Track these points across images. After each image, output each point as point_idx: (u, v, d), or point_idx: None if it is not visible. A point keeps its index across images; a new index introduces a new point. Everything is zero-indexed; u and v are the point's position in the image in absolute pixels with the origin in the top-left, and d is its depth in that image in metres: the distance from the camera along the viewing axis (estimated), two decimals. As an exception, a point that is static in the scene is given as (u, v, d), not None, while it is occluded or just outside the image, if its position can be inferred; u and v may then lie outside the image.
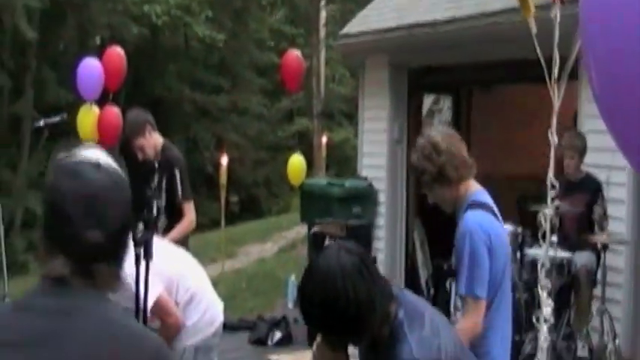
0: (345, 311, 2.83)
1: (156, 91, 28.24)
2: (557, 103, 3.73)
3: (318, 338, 3.12)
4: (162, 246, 4.47)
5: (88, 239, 2.05)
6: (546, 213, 3.56)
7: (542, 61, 3.96)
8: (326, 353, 3.08)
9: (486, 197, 4.23)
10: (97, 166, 2.14)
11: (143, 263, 3.52)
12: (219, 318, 5.12)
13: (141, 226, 3.53)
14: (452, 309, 4.19)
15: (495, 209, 4.24)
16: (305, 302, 2.93)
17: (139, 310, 3.60)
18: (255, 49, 31.94)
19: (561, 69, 4.46)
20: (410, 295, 3.21)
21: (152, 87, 28.12)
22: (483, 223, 4.04)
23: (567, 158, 7.88)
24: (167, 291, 4.71)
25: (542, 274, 3.57)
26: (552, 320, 6.16)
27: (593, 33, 2.47)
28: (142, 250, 3.51)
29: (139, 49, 25.99)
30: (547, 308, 3.87)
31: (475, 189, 4.20)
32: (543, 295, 3.91)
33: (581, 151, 7.87)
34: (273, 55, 32.67)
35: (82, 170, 2.11)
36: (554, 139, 3.68)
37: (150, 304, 4.34)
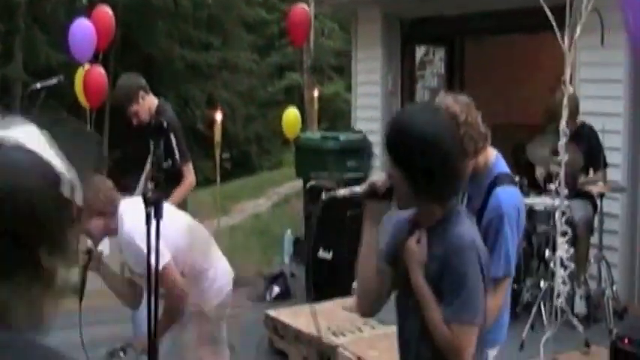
0: (438, 149, 3.02)
1: (146, 49, 28.07)
2: (568, 52, 3.72)
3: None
4: (173, 215, 4.48)
5: None
6: (560, 159, 3.55)
7: (547, 10, 3.96)
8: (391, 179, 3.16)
9: (504, 165, 4.11)
10: None
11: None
12: (227, 288, 5.16)
13: (151, 185, 3.55)
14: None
15: (514, 177, 4.18)
16: (403, 130, 3.04)
17: (150, 271, 3.62)
18: (244, 5, 31.77)
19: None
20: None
21: (142, 46, 27.95)
22: (518, 204, 3.96)
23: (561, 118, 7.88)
24: (175, 260, 4.73)
25: (559, 222, 3.56)
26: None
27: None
28: (152, 210, 3.52)
29: (128, 8, 25.80)
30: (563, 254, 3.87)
31: (493, 157, 4.07)
32: (560, 241, 3.91)
33: (574, 111, 7.86)
34: (262, 11, 32.54)
35: None
36: (568, 88, 3.66)
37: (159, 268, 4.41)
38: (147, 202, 3.47)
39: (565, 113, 3.69)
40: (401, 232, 3.32)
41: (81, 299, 4.79)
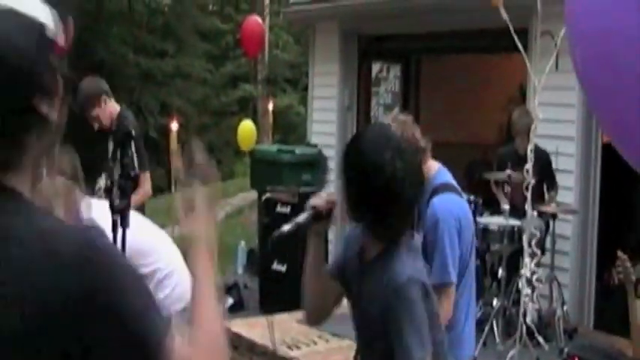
0: (383, 180, 2.95)
1: (99, 54, 27.88)
2: (534, 76, 3.79)
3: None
4: (135, 219, 4.49)
5: None
6: (528, 179, 3.62)
7: (513, 33, 4.04)
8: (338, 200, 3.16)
9: (448, 176, 4.19)
10: None
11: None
12: (189, 294, 5.13)
13: (117, 193, 3.56)
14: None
15: (458, 187, 4.23)
16: (349, 166, 3.04)
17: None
18: (200, 14, 31.72)
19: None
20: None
21: (95, 51, 27.76)
22: (453, 209, 4.03)
23: (519, 135, 8.00)
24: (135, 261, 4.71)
25: (526, 243, 3.64)
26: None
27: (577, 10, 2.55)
28: (118, 218, 3.54)
29: (82, 12, 25.62)
30: (528, 273, 3.94)
31: (435, 170, 4.15)
32: (526, 260, 3.98)
33: (529, 128, 7.99)
34: (216, 20, 32.52)
35: None
36: (536, 113, 3.74)
37: None
38: (114, 210, 3.49)
39: (532, 136, 3.77)
40: (351, 249, 3.32)
41: None
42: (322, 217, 3.21)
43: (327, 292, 3.38)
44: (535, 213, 7.64)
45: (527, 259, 3.93)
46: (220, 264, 7.11)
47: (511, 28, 4.40)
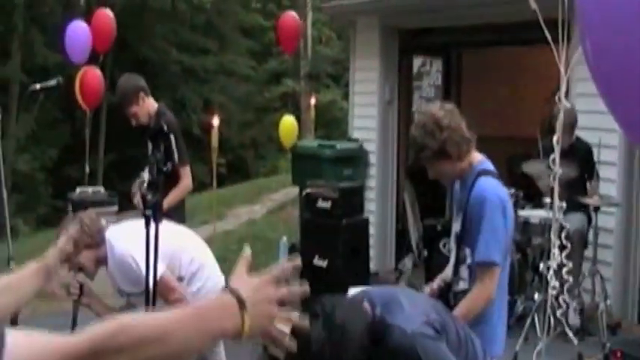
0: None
1: (143, 53, 28.09)
2: (563, 67, 3.75)
3: None
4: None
5: None
6: (555, 172, 3.58)
7: (542, 25, 3.98)
8: None
9: (490, 166, 4.24)
10: None
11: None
12: (221, 284, 5.17)
13: (150, 188, 3.57)
14: (449, 273, 4.20)
15: (496, 172, 4.26)
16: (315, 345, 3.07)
17: (148, 279, 3.64)
18: (242, 11, 31.81)
19: (562, 31, 4.47)
20: (375, 289, 3.34)
21: (139, 49, 27.98)
22: (498, 190, 4.07)
23: (564, 131, 7.92)
24: (170, 268, 4.77)
25: (554, 235, 3.60)
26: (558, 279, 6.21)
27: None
28: (151, 213, 3.54)
29: (125, 10, 25.81)
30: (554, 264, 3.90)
31: (479, 160, 4.21)
32: (555, 252, 3.93)
33: (573, 124, 7.91)
34: (259, 17, 32.58)
35: None
36: (563, 103, 3.69)
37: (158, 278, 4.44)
38: (146, 205, 3.50)
39: (559, 127, 3.73)
40: None
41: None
42: None
43: None
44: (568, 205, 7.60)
45: (555, 251, 3.88)
46: (262, 259, 7.20)
47: (541, 20, 4.33)
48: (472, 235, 4.07)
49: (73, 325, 4.89)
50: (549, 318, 7.14)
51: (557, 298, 7.42)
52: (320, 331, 3.02)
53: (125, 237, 4.75)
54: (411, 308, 3.13)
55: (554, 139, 3.69)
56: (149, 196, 3.59)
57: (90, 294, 4.90)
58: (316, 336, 3.01)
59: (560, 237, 7.37)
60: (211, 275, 5.12)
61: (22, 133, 24.11)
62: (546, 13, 4.53)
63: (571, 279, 6.14)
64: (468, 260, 4.14)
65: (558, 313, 6.29)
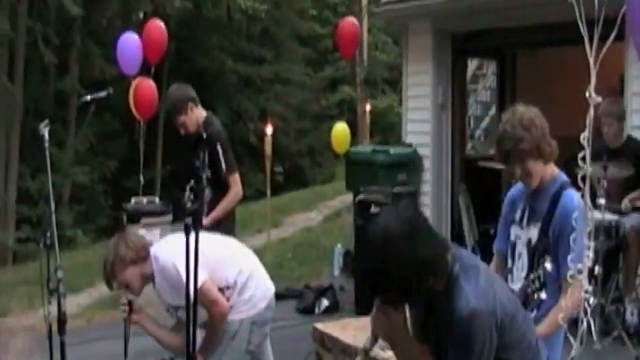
0: (402, 274, 2.93)
1: (199, 63, 28.28)
2: (592, 61, 3.67)
3: (375, 308, 3.16)
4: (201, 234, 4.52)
5: None
6: (586, 170, 3.51)
7: (579, 21, 3.91)
8: (383, 320, 3.13)
9: (562, 175, 4.21)
10: None
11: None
12: (271, 292, 5.17)
13: (190, 196, 3.56)
14: (520, 276, 4.16)
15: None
16: (360, 269, 3.02)
17: (188, 286, 3.63)
18: (298, 19, 31.87)
19: (604, 29, 4.39)
20: (464, 251, 3.28)
21: (195, 59, 28.18)
22: (581, 201, 4.00)
23: (605, 126, 7.79)
24: (213, 277, 4.79)
25: (585, 234, 3.53)
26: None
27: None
28: (191, 221, 3.54)
29: (181, 22, 26.05)
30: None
31: (556, 169, 4.20)
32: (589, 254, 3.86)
33: (619, 117, 7.75)
34: (315, 25, 32.62)
35: None
36: (593, 97, 3.61)
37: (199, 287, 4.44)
38: (186, 213, 3.49)
39: (589, 125, 3.67)
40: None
41: (126, 349, 4.92)
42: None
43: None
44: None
45: (588, 252, 3.81)
46: (317, 266, 7.20)
47: (579, 20, 4.23)
48: (559, 245, 4.03)
49: (125, 343, 4.93)
50: (605, 322, 7.03)
51: (613, 301, 7.31)
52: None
53: (169, 247, 4.77)
54: (487, 287, 3.07)
55: (582, 136, 3.62)
56: (188, 204, 3.59)
57: (139, 311, 4.92)
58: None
59: (612, 237, 7.28)
60: (261, 283, 5.13)
61: (81, 145, 24.42)
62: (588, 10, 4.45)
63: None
64: (549, 270, 4.08)
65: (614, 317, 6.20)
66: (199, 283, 4.08)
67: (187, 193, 3.61)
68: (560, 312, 3.94)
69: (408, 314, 3.21)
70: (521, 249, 4.26)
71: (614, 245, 7.40)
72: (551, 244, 4.07)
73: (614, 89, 9.76)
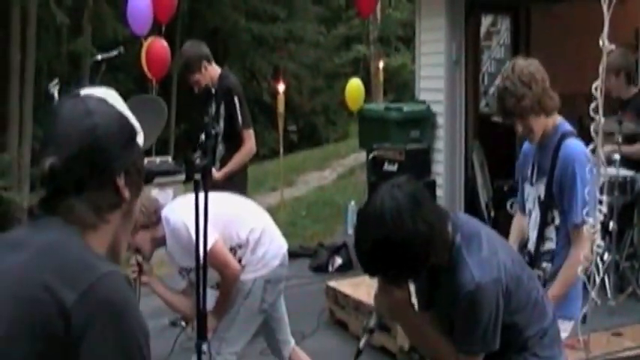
0: (403, 249, 2.88)
1: (212, 22, 28.20)
2: (605, 7, 3.62)
3: (377, 287, 3.13)
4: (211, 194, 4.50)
5: (44, 164, 1.90)
6: (598, 121, 3.47)
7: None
8: (387, 299, 3.10)
9: (570, 126, 4.19)
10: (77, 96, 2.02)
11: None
12: (284, 249, 5.14)
13: (199, 152, 3.53)
14: (532, 236, 4.14)
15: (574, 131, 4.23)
16: (362, 247, 2.97)
17: (198, 245, 3.60)
18: (311, -24, 31.73)
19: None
20: (463, 217, 3.26)
21: (208, 18, 28.08)
22: (584, 149, 3.99)
23: (613, 79, 7.69)
24: (225, 236, 4.77)
25: (597, 188, 3.51)
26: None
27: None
28: (200, 177, 3.50)
29: (194, -18, 25.94)
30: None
31: (560, 120, 4.17)
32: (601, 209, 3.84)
33: (616, 70, 7.63)
34: (328, -18, 32.45)
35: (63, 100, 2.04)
36: (606, 45, 3.57)
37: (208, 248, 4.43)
38: (195, 169, 3.46)
39: (602, 73, 3.62)
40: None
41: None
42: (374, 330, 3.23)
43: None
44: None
45: (600, 207, 3.79)
46: (331, 224, 7.21)
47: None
48: (563, 196, 4.05)
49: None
50: (620, 279, 7.01)
51: (628, 257, 7.27)
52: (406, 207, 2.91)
53: (179, 208, 4.74)
54: (490, 255, 3.02)
55: (594, 85, 3.58)
56: (197, 161, 3.55)
57: (149, 272, 4.92)
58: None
59: (627, 193, 7.22)
60: (274, 240, 5.10)
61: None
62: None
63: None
64: (557, 222, 4.13)
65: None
66: (210, 245, 4.08)
67: (197, 149, 3.58)
68: (571, 269, 3.94)
69: (412, 291, 3.19)
70: (532, 206, 4.27)
71: (629, 201, 7.34)
72: (557, 197, 4.08)
73: (631, 45, 9.67)
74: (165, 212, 4.81)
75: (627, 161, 7.26)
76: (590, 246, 3.92)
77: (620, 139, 7.07)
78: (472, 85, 10.88)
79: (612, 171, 7.23)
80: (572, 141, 4.04)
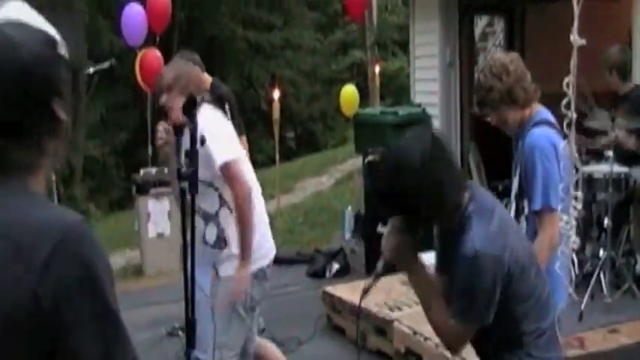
0: (417, 195, 2.96)
1: (209, 31, 28.21)
2: (576, 8, 3.69)
3: (387, 229, 3.18)
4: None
5: None
6: (570, 117, 3.50)
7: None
8: (392, 238, 3.14)
9: (549, 115, 4.27)
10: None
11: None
12: (272, 254, 5.16)
13: (185, 160, 3.52)
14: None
15: (557, 126, 4.31)
16: (377, 190, 3.05)
17: (186, 257, 3.59)
18: (307, -17, 31.73)
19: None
20: (484, 192, 3.30)
21: (205, 27, 28.10)
22: (549, 136, 4.09)
23: (603, 72, 7.71)
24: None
25: (571, 185, 3.54)
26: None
27: None
28: (187, 185, 3.49)
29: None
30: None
31: (538, 110, 4.24)
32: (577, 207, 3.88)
33: (609, 68, 7.65)
34: (324, -12, 32.46)
35: None
36: (576, 39, 3.63)
37: (218, 163, 4.64)
38: (181, 177, 3.45)
39: (573, 69, 3.68)
40: None
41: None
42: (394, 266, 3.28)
43: None
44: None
45: (576, 204, 3.83)
46: (328, 230, 7.28)
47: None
48: (528, 184, 4.13)
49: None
50: (616, 276, 6.99)
51: (624, 254, 7.26)
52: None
53: (212, 119, 4.88)
54: (497, 233, 3.04)
55: (565, 81, 3.63)
56: (184, 168, 3.53)
57: (171, 139, 4.90)
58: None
59: (621, 189, 7.21)
60: (267, 236, 5.13)
61: (92, 118, 24.39)
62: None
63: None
64: (526, 211, 4.20)
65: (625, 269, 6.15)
66: (230, 157, 4.57)
67: (182, 156, 3.57)
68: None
69: (418, 239, 3.22)
70: (511, 199, 4.33)
71: (624, 197, 7.33)
72: (525, 186, 4.19)
73: (625, 45, 9.67)
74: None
75: (621, 158, 7.24)
76: (558, 232, 3.97)
77: (613, 136, 7.06)
78: (467, 86, 10.86)
79: (606, 167, 7.23)
80: (538, 129, 4.12)
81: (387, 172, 3.03)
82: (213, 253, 5.00)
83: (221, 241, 4.97)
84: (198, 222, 4.78)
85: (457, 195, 3.07)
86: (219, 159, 4.66)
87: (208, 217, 4.96)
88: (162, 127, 4.94)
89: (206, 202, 4.87)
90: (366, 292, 3.26)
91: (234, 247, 4.92)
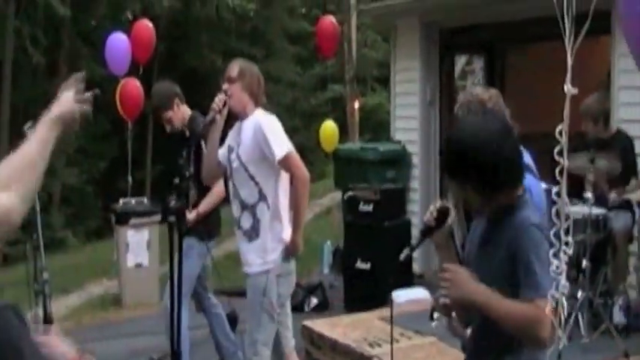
0: (501, 158, 3.07)
1: (189, 62, 28.27)
2: (569, 53, 3.73)
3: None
4: None
5: None
6: (563, 164, 3.55)
7: (559, 16, 3.94)
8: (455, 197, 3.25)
9: (526, 157, 4.18)
10: None
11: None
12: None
13: (173, 194, 3.57)
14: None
15: (534, 168, 4.31)
16: (450, 147, 3.20)
17: (173, 284, 3.62)
18: (287, 17, 31.87)
19: (583, 23, 4.44)
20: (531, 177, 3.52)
21: (185, 59, 28.17)
22: (531, 185, 4.05)
23: (583, 123, 7.79)
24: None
25: (562, 228, 3.57)
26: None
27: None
28: (175, 219, 3.54)
29: (170, 21, 26.03)
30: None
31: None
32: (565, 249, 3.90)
33: (594, 118, 7.75)
34: (304, 23, 32.62)
35: None
36: (569, 89, 3.66)
37: (279, 156, 5.07)
38: (169, 212, 3.50)
39: (566, 117, 3.71)
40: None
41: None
42: (433, 230, 3.34)
43: None
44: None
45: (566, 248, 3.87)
46: (307, 264, 7.37)
47: (558, 13, 4.25)
48: None
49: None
50: (593, 316, 7.04)
51: (601, 295, 7.31)
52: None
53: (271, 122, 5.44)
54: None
55: (558, 129, 3.67)
56: (172, 203, 3.59)
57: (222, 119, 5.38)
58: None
59: (600, 231, 7.27)
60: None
61: (71, 147, 24.35)
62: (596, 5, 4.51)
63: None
64: None
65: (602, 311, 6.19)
66: (287, 150, 5.09)
67: (172, 191, 3.61)
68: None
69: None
70: None
71: (602, 238, 7.39)
72: None
73: (604, 84, 9.79)
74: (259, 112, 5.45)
75: (599, 200, 7.32)
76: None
77: (591, 178, 7.14)
78: (447, 124, 10.95)
79: (585, 209, 7.29)
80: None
81: (469, 132, 3.13)
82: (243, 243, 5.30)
83: (253, 232, 5.23)
84: (236, 208, 5.27)
85: (521, 175, 3.20)
86: (280, 152, 5.09)
87: (245, 206, 5.24)
88: (222, 97, 5.30)
89: (245, 191, 5.22)
90: (413, 250, 3.40)
91: (265, 241, 5.21)
